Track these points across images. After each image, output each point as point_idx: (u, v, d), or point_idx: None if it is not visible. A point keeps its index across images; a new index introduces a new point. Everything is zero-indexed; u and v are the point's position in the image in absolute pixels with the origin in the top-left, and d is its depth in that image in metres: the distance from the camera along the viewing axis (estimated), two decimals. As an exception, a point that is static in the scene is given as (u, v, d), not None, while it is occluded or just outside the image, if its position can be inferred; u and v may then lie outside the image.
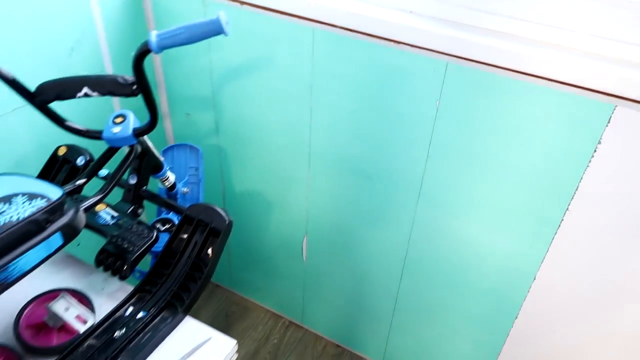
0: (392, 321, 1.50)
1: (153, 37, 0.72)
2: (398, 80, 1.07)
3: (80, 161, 1.03)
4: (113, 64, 1.29)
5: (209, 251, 0.90)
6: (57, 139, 1.06)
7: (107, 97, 1.25)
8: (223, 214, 0.91)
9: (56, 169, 1.03)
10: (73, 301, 0.84)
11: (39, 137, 1.17)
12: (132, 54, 0.75)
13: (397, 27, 1.00)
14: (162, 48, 0.73)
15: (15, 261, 0.69)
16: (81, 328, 0.83)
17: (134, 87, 0.79)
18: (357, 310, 1.57)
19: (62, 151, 1.05)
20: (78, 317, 0.83)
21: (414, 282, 1.37)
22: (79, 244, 0.94)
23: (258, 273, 1.73)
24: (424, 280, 1.35)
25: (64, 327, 0.83)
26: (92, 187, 0.89)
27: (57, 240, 0.76)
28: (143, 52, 0.74)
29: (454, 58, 0.98)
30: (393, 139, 1.15)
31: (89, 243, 0.98)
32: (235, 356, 0.86)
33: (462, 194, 1.14)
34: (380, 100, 1.12)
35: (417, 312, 1.43)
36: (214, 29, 0.72)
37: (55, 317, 0.82)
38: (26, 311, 0.85)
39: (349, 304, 1.57)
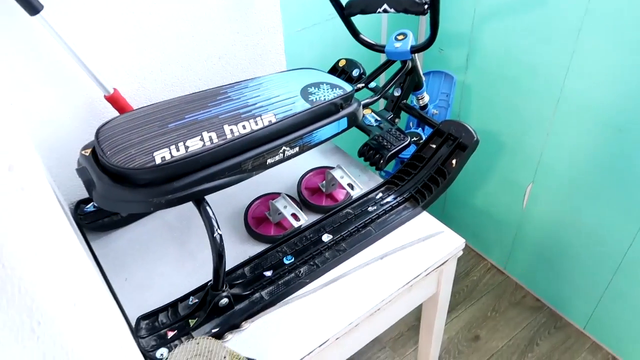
0: (608, 288, 1.44)
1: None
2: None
3: (355, 72, 1.24)
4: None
5: (453, 162, 1.02)
6: (331, 55, 1.29)
7: (377, 19, 1.44)
8: (472, 131, 1.01)
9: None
10: (290, 202, 1.00)
11: (320, 51, 1.43)
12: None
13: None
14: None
15: (317, 130, 0.91)
16: (295, 224, 0.98)
17: (426, 6, 0.92)
18: (570, 269, 1.54)
19: (342, 63, 1.27)
20: (293, 215, 0.98)
21: (645, 253, 1.29)
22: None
23: (471, 212, 1.81)
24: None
25: (280, 224, 1.02)
26: (361, 95, 1.08)
27: (344, 123, 0.97)
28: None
29: None
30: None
31: (355, 139, 1.19)
32: (460, 253, 0.98)
33: None
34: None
35: (641, 286, 1.35)
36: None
37: (276, 211, 0.99)
38: (253, 205, 1.05)
39: (562, 261, 1.55)
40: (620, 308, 1.45)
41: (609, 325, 1.52)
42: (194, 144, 0.78)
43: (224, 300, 0.84)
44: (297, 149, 0.90)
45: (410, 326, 1.66)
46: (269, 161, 0.87)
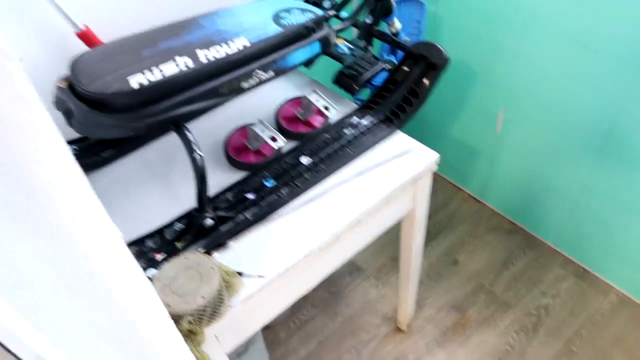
0: (577, 206, 1.52)
1: None
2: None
3: (326, 4, 1.24)
4: None
5: (425, 81, 1.05)
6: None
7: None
8: (442, 50, 1.03)
9: (307, 7, 1.26)
10: (268, 126, 1.02)
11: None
12: None
13: None
14: None
15: (291, 53, 0.93)
16: (274, 145, 1.00)
17: None
18: (541, 191, 1.61)
19: (312, -7, 1.27)
20: (272, 138, 1.00)
21: (612, 166, 1.36)
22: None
23: (447, 144, 1.85)
24: (625, 164, 1.33)
25: (259, 151, 1.03)
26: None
27: (316, 47, 0.98)
28: None
29: None
30: None
31: (330, 70, 1.20)
32: (436, 168, 1.02)
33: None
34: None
35: (609, 201, 1.43)
36: None
37: (255, 136, 1.01)
38: (232, 136, 1.06)
39: (534, 184, 1.62)
40: (587, 223, 1.53)
41: (578, 241, 1.61)
42: (169, 69, 0.79)
43: (209, 221, 0.87)
44: (271, 72, 0.91)
45: (393, 257, 1.74)
46: (245, 85, 0.88)
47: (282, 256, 0.86)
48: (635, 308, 1.54)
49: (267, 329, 1.57)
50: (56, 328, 0.50)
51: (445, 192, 1.93)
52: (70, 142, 1.06)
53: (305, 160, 0.99)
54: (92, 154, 1.05)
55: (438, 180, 1.97)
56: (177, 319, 0.73)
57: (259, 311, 0.88)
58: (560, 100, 1.38)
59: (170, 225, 0.91)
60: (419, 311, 1.59)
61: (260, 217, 0.92)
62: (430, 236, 1.79)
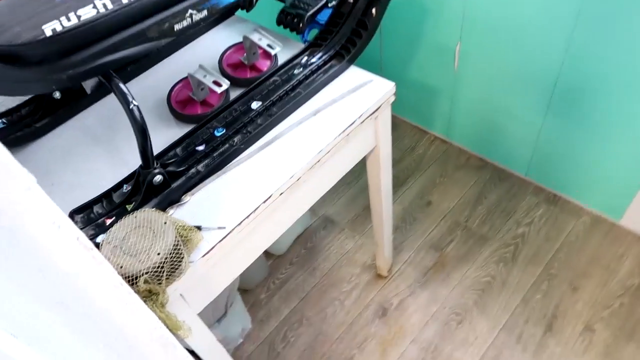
0: (540, 133, 1.51)
1: None
2: None
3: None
4: None
5: (373, 11, 0.99)
6: None
7: None
8: (387, -27, 0.97)
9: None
10: (209, 70, 0.95)
11: None
12: None
13: None
14: None
15: (223, -11, 0.85)
16: (218, 90, 0.93)
17: None
18: (504, 122, 1.60)
19: None
20: (215, 82, 0.94)
21: (575, 86, 1.34)
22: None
23: (407, 87, 1.81)
24: (584, 82, 1.31)
25: (206, 102, 0.98)
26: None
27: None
28: None
29: None
30: None
31: (272, 13, 1.13)
32: (393, 98, 0.98)
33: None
34: None
35: (573, 124, 1.42)
36: None
37: (198, 84, 0.94)
38: (174, 90, 1.00)
39: (496, 116, 1.60)
40: (554, 149, 1.52)
41: (546, 168, 1.61)
42: (87, 13, 0.71)
43: (158, 178, 0.81)
44: (205, 12, 0.84)
45: (365, 206, 1.71)
46: (177, 27, 0.81)
47: (241, 205, 0.81)
48: (607, 226, 1.56)
49: (246, 293, 1.53)
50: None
51: (411, 136, 1.90)
52: None
53: (255, 105, 0.93)
54: (24, 125, 0.97)
55: (402, 125, 1.94)
56: (132, 280, 0.68)
57: (224, 266, 0.83)
58: (516, 25, 1.34)
59: (118, 187, 0.85)
60: (398, 256, 1.57)
61: (214, 169, 0.86)
62: (400, 181, 1.76)
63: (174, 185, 0.84)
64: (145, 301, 0.71)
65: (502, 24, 1.37)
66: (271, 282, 1.56)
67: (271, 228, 0.90)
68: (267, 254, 1.60)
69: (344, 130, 0.90)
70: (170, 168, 0.84)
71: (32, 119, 0.98)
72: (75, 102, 1.01)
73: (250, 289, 1.54)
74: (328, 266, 1.58)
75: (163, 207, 0.82)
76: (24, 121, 0.98)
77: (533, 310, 1.41)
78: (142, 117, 0.76)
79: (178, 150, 0.89)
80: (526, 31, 1.33)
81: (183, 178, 0.85)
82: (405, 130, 1.92)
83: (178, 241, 0.72)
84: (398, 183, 1.76)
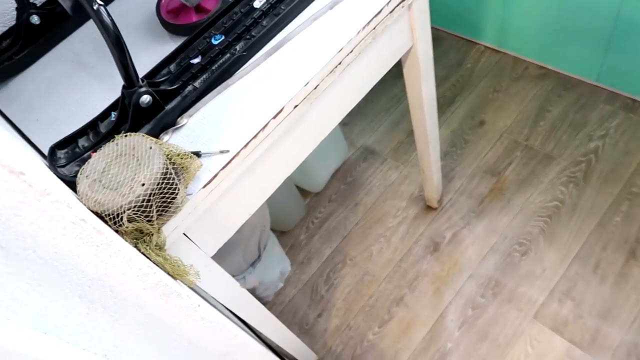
0: (616, 25, 1.24)
1: None
2: None
3: None
4: None
5: None
6: None
7: None
8: None
9: None
10: None
11: None
12: None
13: None
14: None
15: None
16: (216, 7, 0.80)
17: None
18: (570, 19, 1.33)
19: None
20: None
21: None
22: None
23: (451, -9, 1.56)
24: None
25: (200, 7, 0.82)
26: None
27: None
28: None
29: None
30: None
31: None
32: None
33: None
34: None
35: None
36: None
37: None
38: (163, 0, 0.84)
39: (559, 16, 1.34)
40: (633, 45, 1.26)
41: (622, 70, 1.35)
42: None
43: (145, 97, 0.66)
44: None
45: (409, 132, 1.52)
46: None
47: (248, 123, 0.66)
48: (701, 130, 1.30)
49: (283, 235, 1.42)
50: None
51: (456, 49, 1.67)
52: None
53: (259, 3, 0.76)
54: (4, 59, 0.85)
55: (446, 39, 1.70)
56: (115, 218, 0.55)
57: (234, 199, 0.69)
58: None
59: (105, 116, 0.72)
60: (449, 184, 1.40)
61: (213, 83, 0.71)
62: (447, 101, 1.55)
63: (168, 107, 0.69)
64: (137, 245, 0.59)
65: None
66: (310, 221, 1.43)
67: (289, 151, 0.74)
68: (303, 191, 1.47)
69: (369, 22, 0.71)
70: (162, 87, 0.69)
71: (13, 51, 0.86)
72: (58, 27, 0.88)
73: (288, 230, 1.43)
74: (371, 200, 1.43)
75: (156, 133, 0.68)
76: (4, 54, 0.86)
77: (612, 236, 1.21)
78: (112, 21, 0.61)
79: (172, 67, 0.74)
80: None
81: (178, 98, 0.70)
82: (450, 44, 1.68)
83: (168, 169, 0.58)
84: (445, 104, 1.55)
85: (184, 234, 0.65)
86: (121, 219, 0.55)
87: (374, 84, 0.83)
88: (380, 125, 1.57)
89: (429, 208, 1.38)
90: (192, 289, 0.71)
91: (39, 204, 0.40)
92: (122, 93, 0.67)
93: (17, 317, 0.42)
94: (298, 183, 1.44)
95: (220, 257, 1.07)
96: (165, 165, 0.58)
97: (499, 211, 1.32)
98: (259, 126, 0.65)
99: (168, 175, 0.58)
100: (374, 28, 0.73)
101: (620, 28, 1.25)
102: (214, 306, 0.74)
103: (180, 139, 0.68)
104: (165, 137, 0.68)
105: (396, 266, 1.30)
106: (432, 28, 1.72)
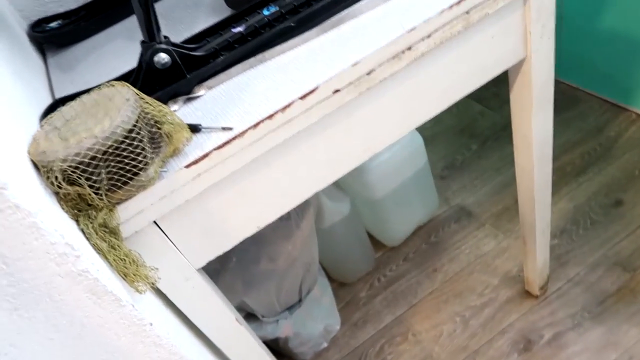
0: None
1: None
2: None
3: None
4: None
5: None
6: None
7: None
8: None
9: None
10: None
11: None
12: None
13: None
14: None
15: None
16: None
17: None
18: None
19: None
20: None
21: None
22: None
23: (596, 45, 1.30)
24: None
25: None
26: None
27: None
28: None
29: None
30: None
31: None
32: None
33: None
34: None
35: None
36: None
37: None
38: None
39: None
40: None
41: None
42: None
43: (162, 57, 0.55)
44: None
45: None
46: None
47: (268, 102, 0.50)
48: None
49: (342, 287, 1.21)
50: None
51: (599, 114, 1.37)
52: (56, 17, 0.85)
53: (329, -25, 0.62)
54: (74, 25, 0.82)
55: (585, 99, 1.41)
56: (52, 175, 0.42)
57: (234, 195, 0.53)
58: None
59: (125, 77, 0.62)
60: (560, 269, 1.09)
61: (247, 55, 0.57)
62: (577, 169, 1.26)
63: (190, 74, 0.57)
64: (77, 218, 0.45)
65: None
66: (376, 278, 1.21)
67: (323, 152, 0.56)
68: (377, 243, 1.26)
69: (459, 2, 0.53)
70: (189, 52, 0.57)
71: (85, 20, 0.83)
72: (126, 3, 0.83)
73: (349, 282, 1.22)
74: (454, 269, 1.17)
75: (164, 98, 0.56)
76: (76, 23, 0.83)
77: None
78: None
79: (211, 38, 0.63)
80: None
81: (206, 67, 0.58)
82: (590, 106, 1.40)
83: (136, 128, 0.44)
84: (573, 171, 1.26)
85: (155, 222, 0.49)
86: (53, 174, 0.41)
87: (463, 94, 0.62)
88: (485, 186, 1.32)
89: (528, 294, 1.07)
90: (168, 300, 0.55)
91: None
92: (141, 53, 0.56)
93: None
94: (371, 231, 1.23)
95: (246, 285, 0.90)
96: (133, 123, 0.44)
97: (627, 318, 0.98)
98: (280, 105, 0.49)
99: (134, 135, 0.43)
100: (467, 12, 0.54)
101: None
102: (185, 333, 0.56)
103: (189, 110, 0.55)
104: (174, 106, 0.55)
105: (469, 357, 1.01)
106: (569, 86, 1.46)
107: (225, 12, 0.72)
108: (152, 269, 0.47)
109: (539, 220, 0.91)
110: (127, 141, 0.43)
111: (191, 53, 0.57)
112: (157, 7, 0.82)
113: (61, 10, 0.87)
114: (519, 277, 1.11)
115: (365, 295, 1.19)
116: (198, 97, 0.56)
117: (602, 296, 1.03)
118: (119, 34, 0.81)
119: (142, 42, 0.56)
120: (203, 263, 0.56)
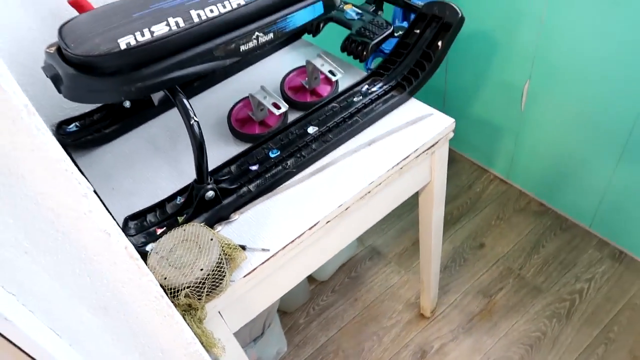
0: (611, 182, 1.42)
1: None
2: None
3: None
4: None
5: (439, 43, 0.98)
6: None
7: None
8: (456, 7, 0.96)
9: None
10: (270, 92, 0.95)
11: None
12: None
13: None
14: None
15: (292, 14, 0.87)
16: (276, 112, 0.93)
17: None
18: (571, 169, 1.51)
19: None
20: (274, 105, 0.93)
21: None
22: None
23: (469, 122, 1.77)
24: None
25: (264, 122, 0.98)
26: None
27: (319, 7, 0.92)
28: None
29: None
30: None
31: (337, 39, 1.14)
32: (452, 135, 0.95)
33: None
34: None
35: (644, 172, 1.32)
36: None
37: (258, 104, 0.95)
38: (235, 108, 1.01)
39: (563, 161, 1.52)
40: (624, 201, 1.42)
41: (614, 221, 1.50)
42: (160, 29, 0.74)
43: (210, 193, 0.82)
44: (271, 35, 0.86)
45: (415, 241, 1.66)
46: (243, 48, 0.83)
47: (287, 229, 0.81)
48: (679, 290, 1.43)
49: (285, 315, 1.52)
50: (25, 289, 0.46)
51: (469, 173, 1.85)
52: (73, 119, 1.04)
53: (312, 130, 0.94)
54: (94, 130, 1.02)
55: (461, 161, 1.88)
56: (174, 293, 0.69)
57: (264, 288, 0.83)
58: (593, 67, 1.28)
59: (172, 198, 0.87)
60: (444, 297, 1.51)
61: (265, 190, 0.87)
62: (454, 219, 1.71)
63: (225, 202, 0.85)
64: (184, 315, 0.71)
65: (577, 65, 1.31)
66: (311, 307, 1.54)
67: (315, 255, 0.89)
68: (310, 278, 1.59)
69: (398, 163, 0.88)
70: (223, 185, 0.85)
71: (103, 125, 1.03)
72: (143, 112, 1.06)
73: (290, 311, 1.53)
74: (370, 298, 1.54)
75: (212, 222, 0.83)
76: (95, 126, 1.03)
77: (587, 375, 1.30)
78: (201, 133, 0.78)
79: (232, 167, 0.91)
80: (604, 74, 1.27)
81: (234, 196, 0.86)
82: (464, 166, 1.87)
83: (222, 259, 0.72)
84: (451, 220, 1.70)
85: (219, 312, 0.77)
86: (179, 294, 0.68)
87: (392, 209, 0.98)
88: (390, 229, 1.72)
89: (422, 316, 1.48)
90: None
91: (141, 280, 0.54)
92: (193, 186, 0.83)
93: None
94: (307, 269, 1.56)
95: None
96: (220, 256, 0.72)
97: (486, 331, 1.42)
98: (296, 233, 0.80)
99: (221, 264, 0.71)
100: (401, 168, 0.89)
101: (615, 183, 1.42)
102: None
103: (230, 231, 0.82)
104: (218, 228, 0.83)
105: (384, 366, 1.39)
106: (450, 149, 1.92)
107: (227, 136, 1.00)
108: (219, 340, 0.75)
109: (433, 265, 1.31)
110: (218, 268, 0.71)
111: (226, 187, 0.85)
112: (165, 118, 1.06)
113: (77, 113, 1.06)
114: (416, 303, 1.51)
115: (304, 321, 1.51)
116: (234, 220, 0.84)
117: (470, 315, 1.46)
118: (134, 140, 1.03)
119: (195, 182, 0.82)
120: (237, 328, 0.84)
